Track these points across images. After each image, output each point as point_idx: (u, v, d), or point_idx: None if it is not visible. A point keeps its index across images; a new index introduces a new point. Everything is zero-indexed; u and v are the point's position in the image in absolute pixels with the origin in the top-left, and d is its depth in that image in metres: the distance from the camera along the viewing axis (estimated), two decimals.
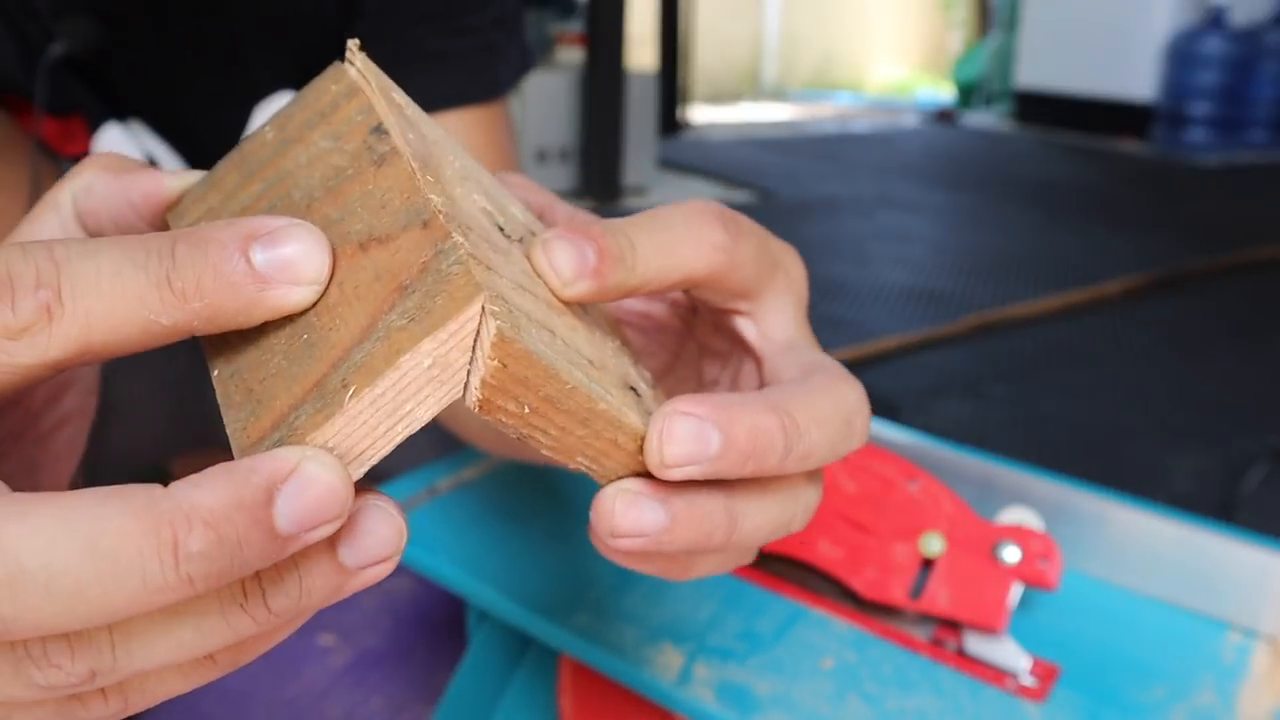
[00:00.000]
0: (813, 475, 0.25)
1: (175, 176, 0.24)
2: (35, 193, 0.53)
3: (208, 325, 0.19)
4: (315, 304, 0.19)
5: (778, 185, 2.77)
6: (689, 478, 0.21)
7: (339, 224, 0.20)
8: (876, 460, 0.50)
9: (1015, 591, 0.44)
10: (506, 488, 0.60)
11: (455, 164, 0.24)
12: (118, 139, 0.55)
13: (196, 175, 0.24)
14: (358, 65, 0.23)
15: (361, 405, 0.18)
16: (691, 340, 0.31)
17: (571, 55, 2.74)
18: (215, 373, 0.20)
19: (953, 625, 0.46)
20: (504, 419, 0.19)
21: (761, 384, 0.27)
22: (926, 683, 0.43)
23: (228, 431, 0.19)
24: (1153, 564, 0.50)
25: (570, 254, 0.22)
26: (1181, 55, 3.45)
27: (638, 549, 0.21)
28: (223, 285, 0.18)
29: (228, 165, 0.24)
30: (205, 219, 0.23)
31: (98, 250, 0.18)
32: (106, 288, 0.18)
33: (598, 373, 0.22)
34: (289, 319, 0.19)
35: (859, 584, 0.47)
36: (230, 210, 0.23)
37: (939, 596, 0.45)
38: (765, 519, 0.23)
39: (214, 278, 0.18)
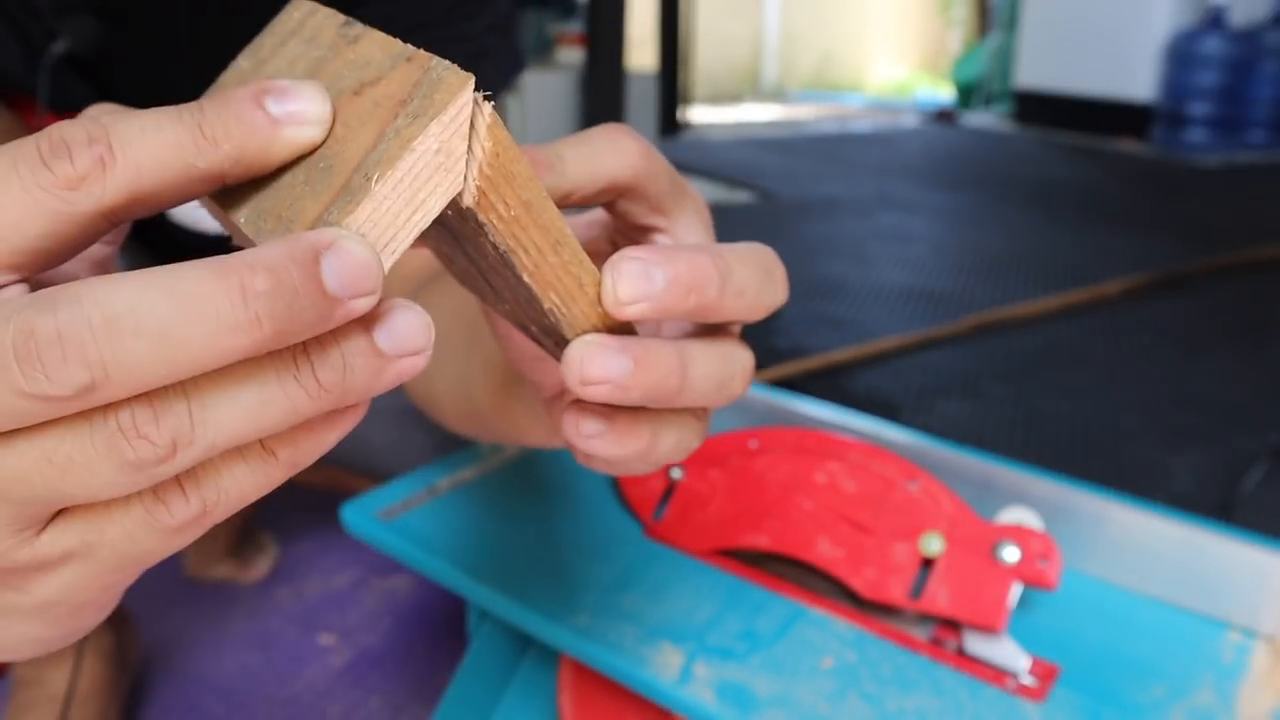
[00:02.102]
0: (743, 343, 0.28)
1: None
2: None
3: (235, 166, 0.21)
4: (324, 141, 0.22)
5: (778, 185, 2.77)
6: (643, 315, 0.24)
7: (329, 88, 0.23)
8: (876, 460, 0.50)
9: (1014, 591, 0.44)
10: (506, 488, 0.60)
11: None
12: None
13: None
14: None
15: (385, 189, 0.20)
16: None
17: (571, 55, 2.74)
18: (241, 219, 0.22)
19: (952, 625, 0.46)
20: (494, 220, 0.23)
21: None
22: (926, 682, 0.44)
23: None
24: (1152, 564, 0.50)
25: None
26: (1181, 55, 3.45)
27: (605, 396, 0.24)
28: (245, 129, 0.21)
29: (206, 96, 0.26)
30: None
31: (138, 114, 0.21)
32: (150, 139, 0.20)
33: None
34: (301, 161, 0.22)
35: (859, 584, 0.47)
36: None
37: (939, 596, 0.45)
38: (710, 368, 0.26)
39: (237, 123, 0.21)
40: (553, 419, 0.35)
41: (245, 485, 0.21)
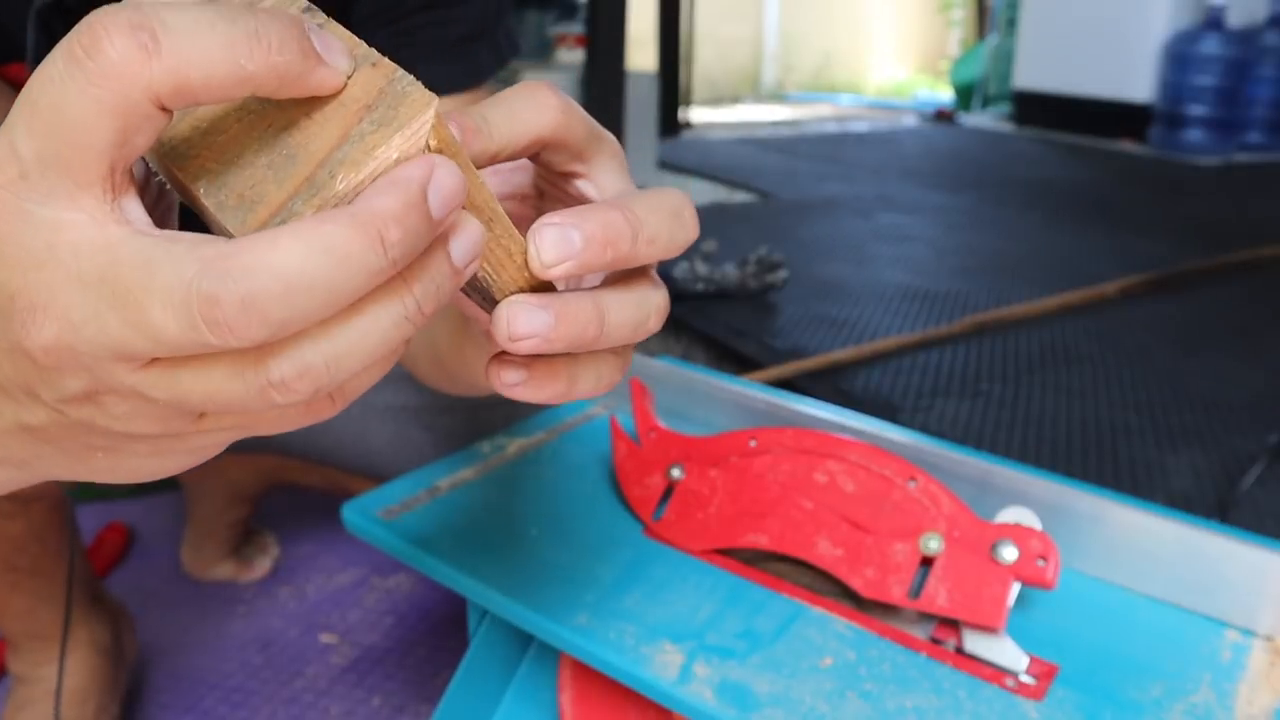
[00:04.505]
0: (657, 282, 0.31)
1: None
2: None
3: (276, 83, 0.22)
4: (289, 128, 0.24)
5: (778, 185, 2.77)
6: (567, 274, 0.27)
7: None
8: (876, 460, 0.50)
9: (1013, 590, 0.45)
10: (507, 488, 0.60)
11: None
12: None
13: None
14: None
15: (347, 189, 0.23)
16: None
17: (572, 56, 2.74)
18: (200, 190, 0.24)
19: (951, 624, 0.47)
20: None
21: None
22: (925, 681, 0.44)
23: (227, 225, 0.23)
24: (1150, 563, 0.50)
25: None
26: (1179, 56, 3.45)
27: (532, 348, 0.27)
28: (295, 50, 0.22)
29: None
30: None
31: (190, 6, 0.21)
32: (205, 33, 0.21)
33: None
34: (266, 144, 0.24)
35: (858, 583, 0.47)
36: None
37: (938, 595, 0.45)
38: (626, 314, 0.29)
39: (291, 41, 0.22)
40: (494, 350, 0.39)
41: (371, 378, 0.25)
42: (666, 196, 0.30)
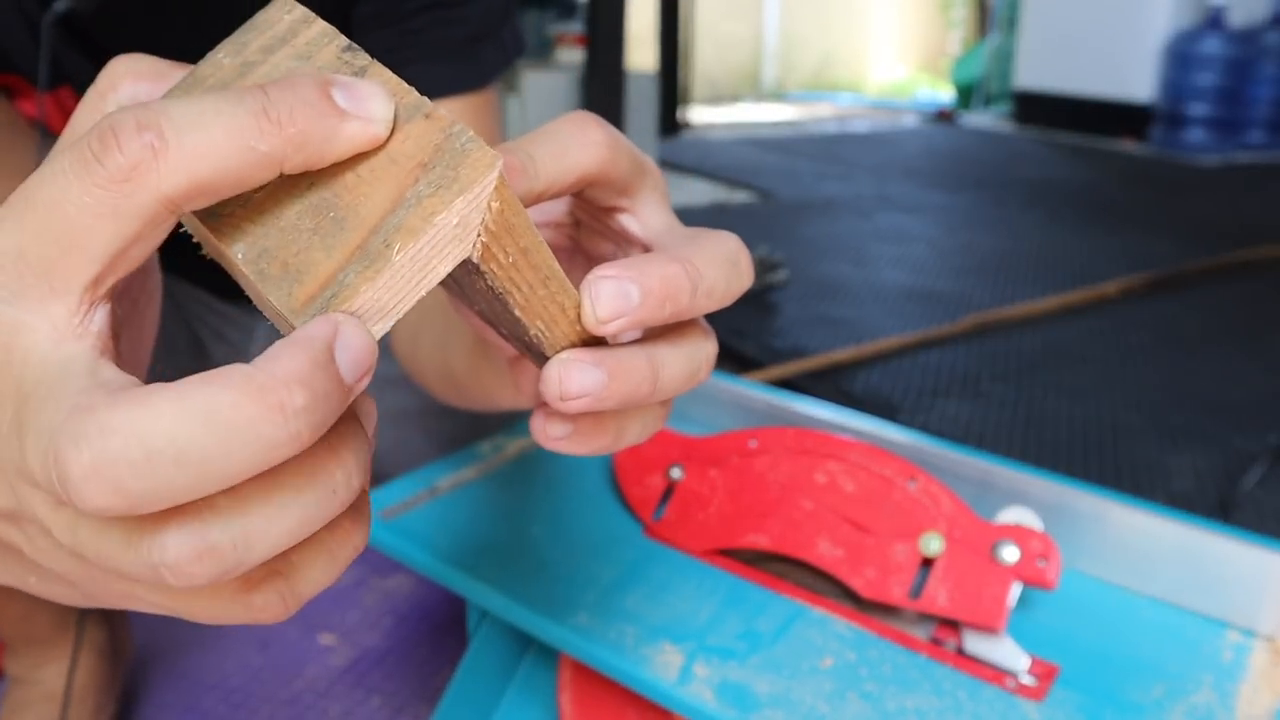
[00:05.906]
0: (708, 331, 0.30)
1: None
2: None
3: (297, 153, 0.21)
4: (334, 187, 0.22)
5: (777, 185, 2.77)
6: (623, 329, 0.25)
7: None
8: (876, 460, 0.50)
9: (1014, 591, 0.44)
10: (506, 488, 0.60)
11: None
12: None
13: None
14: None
15: (405, 259, 0.21)
16: (579, 253, 0.35)
17: (571, 55, 2.74)
18: (239, 254, 0.22)
19: (952, 624, 0.46)
20: (494, 268, 0.23)
21: None
22: (926, 682, 0.44)
23: (270, 298, 0.21)
24: (1151, 563, 0.50)
25: None
26: (1180, 56, 3.45)
27: (584, 407, 0.25)
28: (312, 114, 0.21)
29: (183, 89, 0.24)
30: None
31: (195, 98, 0.20)
32: (209, 123, 0.20)
33: None
34: (309, 204, 0.22)
35: (859, 583, 0.47)
36: None
37: (938, 596, 0.45)
38: (679, 366, 0.27)
39: (304, 107, 0.20)
40: (514, 379, 0.37)
41: (319, 577, 0.22)
42: (723, 244, 0.28)
